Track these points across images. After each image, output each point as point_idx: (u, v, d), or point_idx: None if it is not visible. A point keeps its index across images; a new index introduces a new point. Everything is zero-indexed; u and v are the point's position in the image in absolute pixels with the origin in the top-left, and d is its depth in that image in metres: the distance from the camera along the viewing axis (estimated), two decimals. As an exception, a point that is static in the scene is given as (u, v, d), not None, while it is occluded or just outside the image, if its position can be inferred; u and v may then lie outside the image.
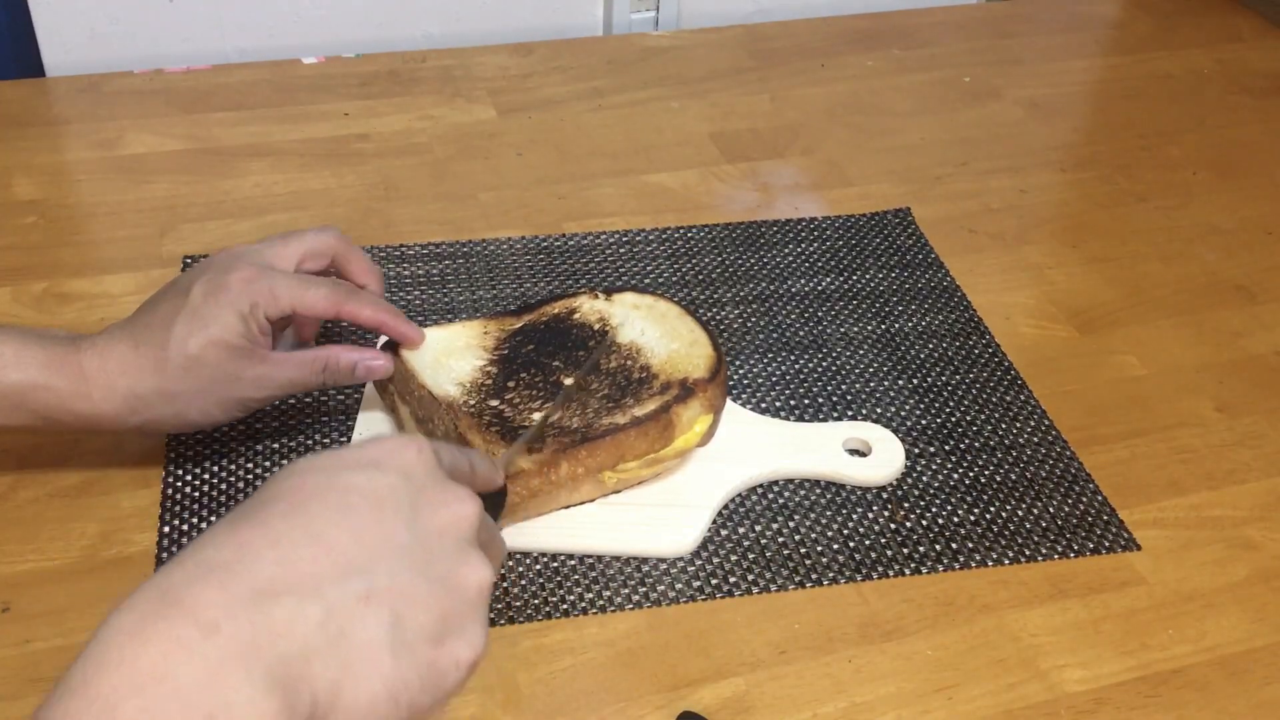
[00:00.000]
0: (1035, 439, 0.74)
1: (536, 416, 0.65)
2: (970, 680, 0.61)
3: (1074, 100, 1.10)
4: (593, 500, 0.66)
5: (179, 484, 0.68)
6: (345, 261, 0.68)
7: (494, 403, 0.66)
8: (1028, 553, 0.67)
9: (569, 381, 0.67)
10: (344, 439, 0.70)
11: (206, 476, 0.68)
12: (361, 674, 0.43)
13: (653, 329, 0.70)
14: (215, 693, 0.38)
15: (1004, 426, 0.75)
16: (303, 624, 0.41)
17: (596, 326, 0.71)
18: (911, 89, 1.09)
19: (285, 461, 0.69)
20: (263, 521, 0.43)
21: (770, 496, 0.69)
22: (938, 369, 0.79)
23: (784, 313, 0.82)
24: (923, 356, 0.79)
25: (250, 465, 0.69)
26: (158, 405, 0.63)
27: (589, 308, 0.72)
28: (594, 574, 0.64)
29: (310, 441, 0.71)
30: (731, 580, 0.65)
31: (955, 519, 0.69)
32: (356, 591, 0.43)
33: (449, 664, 0.45)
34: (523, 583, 0.64)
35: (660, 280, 0.85)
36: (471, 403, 0.66)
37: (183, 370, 0.61)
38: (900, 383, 0.77)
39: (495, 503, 0.57)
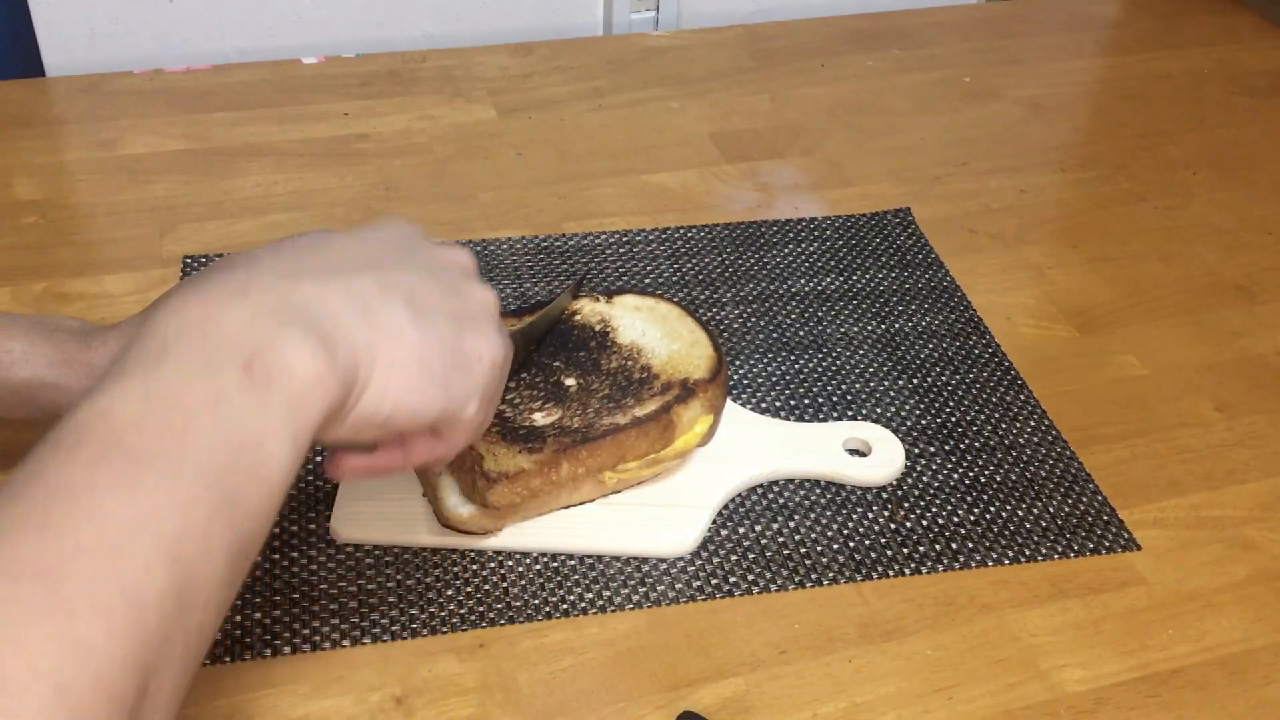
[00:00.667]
0: (1035, 439, 0.74)
1: (538, 416, 0.65)
2: (970, 680, 0.61)
3: (1074, 100, 1.10)
4: (593, 500, 0.66)
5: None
6: None
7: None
8: (1028, 553, 0.67)
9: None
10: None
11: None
12: (391, 343, 0.46)
13: (653, 330, 0.70)
14: (258, 333, 0.42)
15: (1004, 426, 0.75)
16: (328, 295, 0.45)
17: (598, 329, 0.71)
18: (911, 89, 1.09)
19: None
20: (278, 247, 0.48)
21: (770, 496, 0.69)
22: (938, 369, 0.79)
23: (784, 313, 0.82)
24: (923, 356, 0.79)
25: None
26: None
27: (590, 310, 0.72)
28: (594, 574, 0.64)
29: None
30: (731, 580, 0.65)
31: (955, 519, 0.69)
32: (373, 280, 0.47)
33: (473, 354, 0.49)
34: (522, 583, 0.64)
35: (660, 280, 0.85)
36: None
37: None
38: (900, 383, 0.77)
39: None
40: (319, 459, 0.69)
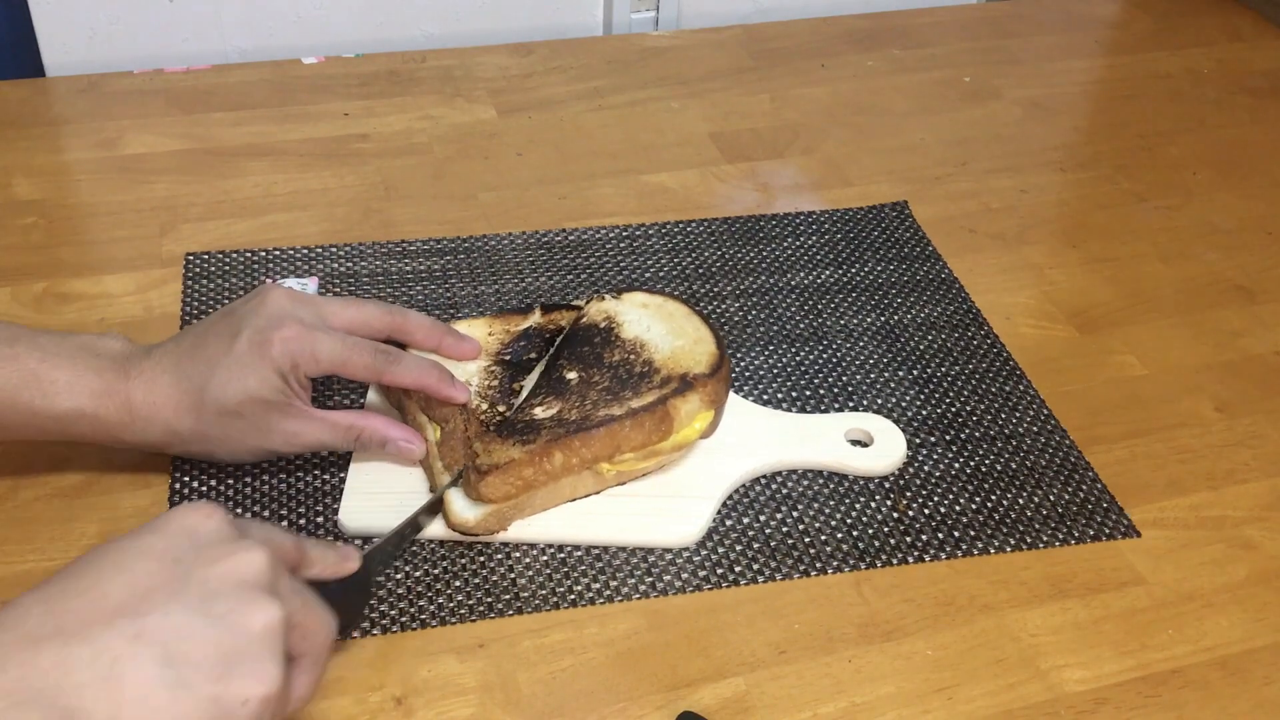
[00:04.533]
0: (1035, 428, 0.74)
1: (538, 410, 0.66)
2: (970, 680, 0.61)
3: (1074, 100, 1.10)
4: (597, 493, 0.66)
5: (183, 489, 0.67)
6: (404, 330, 0.68)
7: (499, 407, 0.67)
8: (1029, 540, 0.67)
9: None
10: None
11: (213, 482, 0.68)
12: (137, 712, 0.43)
13: (659, 326, 0.71)
14: None
15: (1004, 416, 0.75)
16: (71, 663, 0.43)
17: (603, 325, 0.71)
18: (911, 89, 1.09)
19: (288, 468, 0.69)
20: (41, 588, 0.46)
21: (774, 487, 0.69)
22: (937, 360, 0.79)
23: (784, 305, 0.83)
24: (922, 348, 0.80)
25: (255, 470, 0.69)
26: (192, 443, 0.64)
27: (596, 308, 0.72)
28: (600, 565, 0.64)
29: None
30: (736, 570, 0.65)
31: (957, 508, 0.69)
32: (125, 632, 0.44)
33: (234, 700, 0.45)
34: (529, 573, 0.64)
35: (661, 275, 0.85)
36: (484, 408, 0.67)
37: (217, 417, 0.63)
38: (901, 374, 0.78)
39: (355, 592, 0.57)
40: (329, 454, 0.69)
